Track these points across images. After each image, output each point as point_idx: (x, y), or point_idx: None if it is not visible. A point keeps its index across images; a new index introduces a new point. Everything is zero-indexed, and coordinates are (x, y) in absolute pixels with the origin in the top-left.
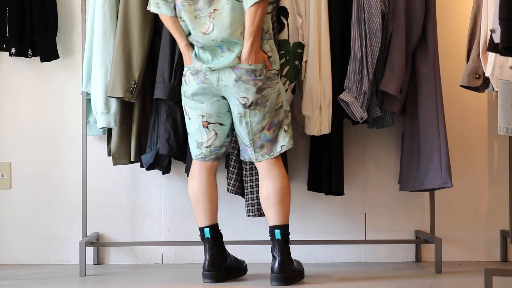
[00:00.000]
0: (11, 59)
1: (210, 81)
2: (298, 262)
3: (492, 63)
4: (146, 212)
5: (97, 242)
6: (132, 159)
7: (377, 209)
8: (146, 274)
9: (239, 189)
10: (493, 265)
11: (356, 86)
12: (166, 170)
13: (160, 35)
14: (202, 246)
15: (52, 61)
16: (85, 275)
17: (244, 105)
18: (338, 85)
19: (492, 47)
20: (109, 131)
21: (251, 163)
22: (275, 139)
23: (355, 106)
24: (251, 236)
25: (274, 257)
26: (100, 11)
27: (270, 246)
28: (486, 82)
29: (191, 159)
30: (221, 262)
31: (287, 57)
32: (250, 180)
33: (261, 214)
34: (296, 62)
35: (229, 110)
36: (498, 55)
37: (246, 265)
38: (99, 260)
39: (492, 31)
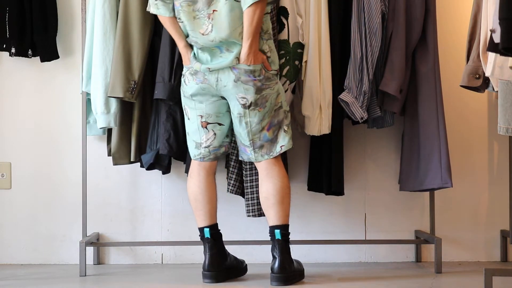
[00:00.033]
0: (11, 59)
1: (209, 81)
2: (298, 262)
3: (492, 63)
4: (146, 212)
5: (97, 242)
6: (132, 159)
7: (377, 209)
8: (146, 274)
9: (239, 189)
10: (493, 265)
11: (356, 86)
12: (166, 170)
13: (160, 35)
14: (202, 246)
15: (52, 61)
16: (85, 275)
17: (244, 106)
18: (338, 85)
19: (492, 47)
20: (109, 131)
21: (251, 163)
22: (275, 139)
23: (355, 106)
24: (251, 236)
25: (274, 257)
26: (100, 11)
27: (270, 246)
28: (486, 82)
29: (191, 159)
30: (221, 262)
31: (287, 57)
32: (250, 180)
33: (261, 214)
34: (296, 62)
35: (228, 110)
36: (498, 55)
37: (246, 265)
38: (99, 260)
39: (492, 31)
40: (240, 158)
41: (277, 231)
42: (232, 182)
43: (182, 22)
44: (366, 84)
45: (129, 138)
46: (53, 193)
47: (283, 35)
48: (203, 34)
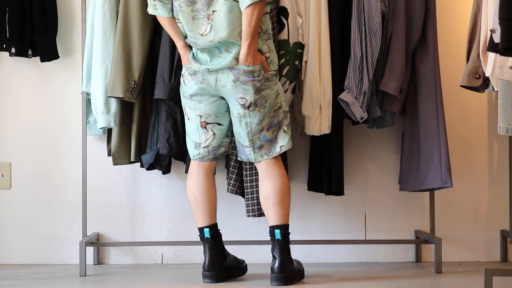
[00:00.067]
0: (11, 59)
1: (208, 81)
2: (298, 262)
3: (492, 63)
4: (146, 212)
5: (97, 242)
6: (132, 159)
7: (377, 209)
8: (146, 274)
9: (239, 189)
10: (493, 265)
11: (356, 86)
12: (166, 170)
13: (160, 35)
14: (202, 246)
15: (52, 61)
16: (85, 275)
17: (243, 106)
18: (338, 85)
19: (492, 47)
20: (109, 131)
21: (251, 163)
22: (274, 140)
23: (355, 106)
24: (251, 236)
25: (274, 257)
26: (100, 11)
27: (270, 246)
28: (486, 82)
29: (190, 159)
30: (221, 262)
31: (287, 57)
32: (250, 180)
33: (261, 214)
34: (296, 62)
35: (228, 110)
36: (498, 55)
37: (246, 264)
38: (99, 260)
39: (492, 31)
40: (239, 159)
41: (277, 231)
42: (232, 182)
43: (180, 22)
44: (366, 84)
45: (129, 138)
46: (53, 193)
47: (283, 35)
48: (202, 35)
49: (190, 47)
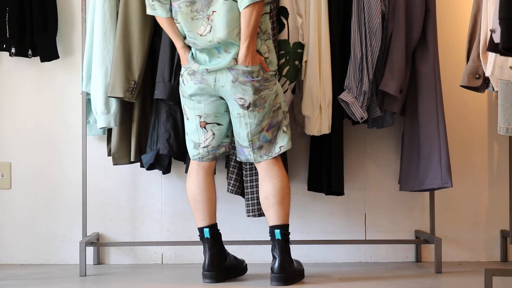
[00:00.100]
0: (11, 59)
1: (207, 81)
2: (298, 262)
3: (492, 63)
4: (146, 212)
5: (97, 242)
6: (132, 159)
7: (377, 209)
8: (146, 274)
9: (239, 189)
10: (493, 265)
11: (356, 86)
12: (166, 170)
13: (160, 35)
14: (202, 246)
15: (52, 61)
16: (85, 275)
17: (242, 106)
18: (338, 85)
19: (492, 47)
20: (109, 131)
21: (251, 163)
22: (274, 140)
23: (355, 106)
24: (251, 236)
25: (274, 257)
26: (100, 11)
27: (270, 246)
28: (486, 82)
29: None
30: (221, 262)
31: (287, 57)
32: (250, 180)
33: (261, 214)
34: (296, 62)
35: (227, 110)
36: (498, 55)
37: (246, 264)
38: (99, 260)
39: (492, 31)
40: (238, 159)
41: (277, 231)
42: (232, 182)
43: (179, 23)
44: (366, 84)
45: (129, 138)
46: (53, 193)
47: (283, 35)
48: (201, 35)
49: (189, 47)
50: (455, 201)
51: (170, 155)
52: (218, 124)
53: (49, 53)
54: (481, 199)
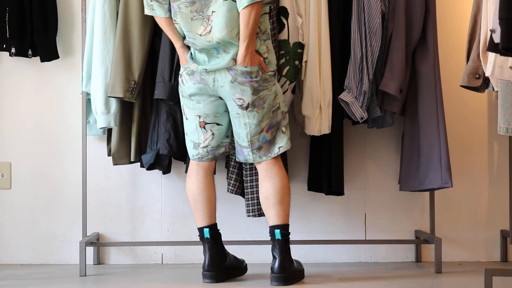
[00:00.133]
0: (11, 59)
1: (206, 81)
2: (298, 262)
3: (492, 63)
4: (146, 212)
5: (97, 242)
6: (132, 159)
7: (377, 209)
8: (146, 274)
9: (239, 189)
10: (493, 265)
11: (356, 86)
12: (166, 170)
13: (160, 35)
14: (202, 246)
15: (52, 61)
16: (85, 275)
17: (241, 106)
18: (338, 85)
19: (492, 47)
20: (109, 131)
21: (251, 163)
22: (273, 141)
23: (355, 106)
24: (251, 236)
25: (274, 257)
26: (100, 11)
27: (270, 246)
28: (486, 82)
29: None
30: (221, 262)
31: (287, 57)
32: (250, 180)
33: (261, 214)
34: (296, 62)
35: (226, 110)
36: (498, 55)
37: (246, 264)
38: (99, 260)
39: (492, 31)
40: (237, 159)
41: (277, 231)
42: (232, 182)
43: (177, 24)
44: (366, 84)
45: (129, 138)
46: (53, 193)
47: (283, 35)
48: (200, 35)
49: (188, 47)
50: (455, 201)
51: (170, 155)
52: (218, 124)
53: (49, 53)
54: (481, 199)
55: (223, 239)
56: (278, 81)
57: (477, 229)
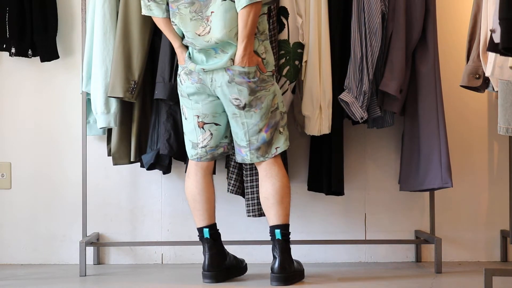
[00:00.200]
0: (11, 59)
1: (204, 81)
2: (298, 262)
3: (492, 63)
4: (146, 212)
5: (97, 242)
6: (132, 159)
7: (377, 209)
8: (146, 274)
9: (239, 189)
10: (493, 265)
11: (356, 86)
12: (166, 170)
13: (160, 35)
14: (202, 246)
15: (52, 61)
16: (85, 275)
17: (238, 106)
18: (338, 85)
19: (492, 47)
20: (109, 131)
21: (251, 163)
22: (271, 141)
23: (355, 106)
24: (251, 236)
25: (274, 257)
26: (100, 11)
27: (270, 246)
28: (486, 82)
29: None
30: (221, 262)
31: (287, 57)
32: (250, 180)
33: (261, 214)
34: (296, 62)
35: (225, 111)
36: (498, 55)
37: (246, 264)
38: (99, 260)
39: (492, 31)
40: (236, 159)
41: (277, 231)
42: (232, 182)
43: (175, 25)
44: (366, 84)
45: (129, 138)
46: (53, 193)
47: (283, 35)
48: (199, 35)
49: (187, 47)
50: (455, 201)
51: (171, 155)
52: (216, 124)
53: (49, 53)
54: (481, 199)
55: (223, 239)
56: (278, 81)
57: (477, 229)
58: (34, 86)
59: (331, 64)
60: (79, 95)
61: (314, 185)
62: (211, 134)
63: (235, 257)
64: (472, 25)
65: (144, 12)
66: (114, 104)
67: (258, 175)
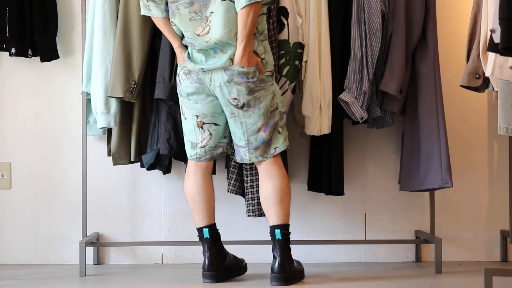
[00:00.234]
0: (11, 59)
1: (203, 81)
2: (298, 262)
3: (492, 63)
4: (146, 212)
5: (97, 242)
6: (132, 159)
7: (377, 209)
8: (146, 274)
9: (239, 189)
10: (493, 265)
11: (356, 86)
12: (166, 170)
13: (160, 35)
14: (202, 246)
15: (52, 61)
16: (85, 275)
17: (236, 106)
18: (338, 85)
19: (492, 47)
20: (109, 131)
21: (252, 163)
22: (270, 141)
23: (355, 106)
24: (251, 236)
25: (274, 257)
26: (100, 11)
27: (270, 246)
28: (486, 82)
29: None
30: (221, 261)
31: (287, 57)
32: (250, 180)
33: (261, 214)
34: (296, 62)
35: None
36: (498, 55)
37: (246, 263)
38: (99, 260)
39: (492, 31)
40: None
41: (277, 231)
42: (232, 182)
43: (175, 25)
44: (366, 84)
45: (129, 138)
46: (53, 193)
47: (283, 35)
48: (198, 35)
49: (186, 47)
50: (455, 201)
51: (171, 155)
52: (215, 124)
53: (49, 53)
54: (481, 199)
55: (223, 239)
56: (278, 81)
57: (477, 229)
58: (34, 86)
59: (331, 64)
60: (79, 95)
61: (314, 185)
62: (210, 134)
63: (235, 257)
64: (472, 25)
65: (143, 12)
66: (114, 104)
67: (258, 175)
